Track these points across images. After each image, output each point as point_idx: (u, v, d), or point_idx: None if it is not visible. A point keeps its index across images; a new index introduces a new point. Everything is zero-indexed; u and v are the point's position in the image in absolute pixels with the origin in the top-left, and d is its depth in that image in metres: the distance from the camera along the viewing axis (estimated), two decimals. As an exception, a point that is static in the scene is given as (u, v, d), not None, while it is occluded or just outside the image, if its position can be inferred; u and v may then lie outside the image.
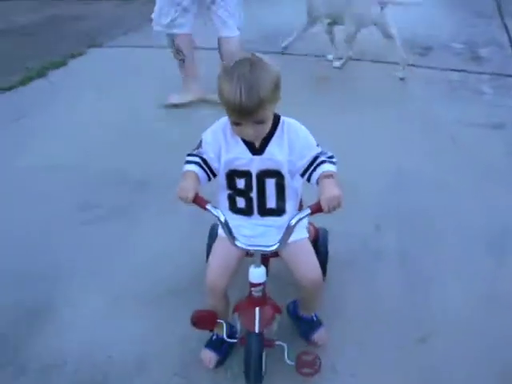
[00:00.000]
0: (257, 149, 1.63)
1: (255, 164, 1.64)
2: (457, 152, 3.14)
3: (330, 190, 1.53)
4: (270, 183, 1.67)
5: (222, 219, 1.58)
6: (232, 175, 1.68)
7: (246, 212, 1.73)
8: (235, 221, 1.69)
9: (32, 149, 3.31)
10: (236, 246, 1.62)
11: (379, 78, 4.28)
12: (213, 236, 1.99)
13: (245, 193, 1.70)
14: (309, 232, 1.84)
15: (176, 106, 3.80)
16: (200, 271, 1.86)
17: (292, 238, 1.63)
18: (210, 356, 1.84)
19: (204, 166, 1.67)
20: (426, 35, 5.30)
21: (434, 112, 3.68)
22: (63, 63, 4.84)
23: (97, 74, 4.58)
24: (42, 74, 4.60)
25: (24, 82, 4.45)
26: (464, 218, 2.53)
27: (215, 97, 1.53)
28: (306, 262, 1.74)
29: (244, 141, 1.63)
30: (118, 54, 5.10)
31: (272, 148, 1.63)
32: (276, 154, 1.63)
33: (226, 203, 1.75)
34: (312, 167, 1.63)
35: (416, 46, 4.98)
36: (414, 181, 2.83)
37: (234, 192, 1.72)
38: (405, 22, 5.70)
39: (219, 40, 3.74)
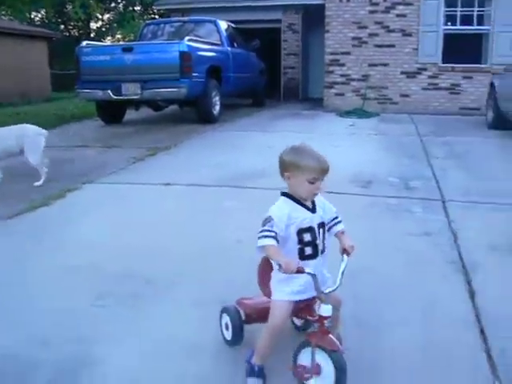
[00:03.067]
0: (311, 209, 2.41)
1: (313, 220, 2.41)
2: (396, 253, 4.01)
3: (350, 240, 2.49)
4: (322, 231, 2.44)
5: (314, 272, 2.29)
6: (301, 233, 2.38)
7: (312, 256, 2.41)
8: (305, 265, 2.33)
9: (47, 256, 3.99)
10: (323, 292, 2.30)
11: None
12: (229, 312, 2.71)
13: (312, 243, 2.40)
14: None
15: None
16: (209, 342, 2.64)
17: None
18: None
19: (277, 238, 2.31)
20: (366, 172, 6.41)
21: (375, 225, 4.57)
22: (62, 196, 5.60)
23: (92, 203, 5.41)
24: (46, 203, 5.33)
25: (31, 209, 5.15)
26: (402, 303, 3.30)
27: None
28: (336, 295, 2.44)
29: (303, 206, 2.39)
30: (108, 189, 5.96)
31: (318, 208, 2.43)
32: (320, 212, 2.44)
33: (296, 255, 2.37)
34: (333, 223, 2.50)
35: (359, 180, 6.03)
36: (366, 272, 3.62)
37: (303, 244, 2.39)
38: (347, 161, 6.89)
39: None
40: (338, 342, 2.33)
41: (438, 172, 6.48)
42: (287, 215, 2.34)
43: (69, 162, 7.49)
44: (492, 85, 10.52)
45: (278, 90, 17.20)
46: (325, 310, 2.31)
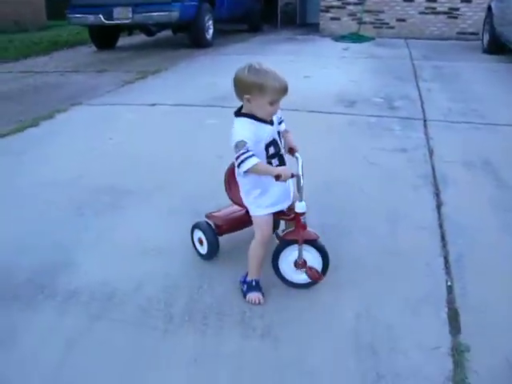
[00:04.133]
0: (269, 123, 2.43)
1: (274, 132, 2.46)
2: (369, 166, 4.12)
3: (292, 140, 2.55)
4: (279, 139, 2.50)
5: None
6: (267, 147, 2.43)
7: (280, 166, 2.47)
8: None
9: (33, 172, 4.13)
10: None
11: (309, 122, 5.25)
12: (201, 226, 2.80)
13: (277, 154, 2.47)
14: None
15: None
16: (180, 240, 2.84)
17: None
18: (256, 296, 2.51)
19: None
20: (352, 93, 6.46)
21: (352, 142, 4.68)
22: (51, 116, 5.69)
23: (80, 123, 5.51)
24: (34, 124, 5.42)
25: (20, 129, 5.26)
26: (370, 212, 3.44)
27: None
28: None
29: (264, 122, 2.40)
30: (96, 110, 6.04)
31: (274, 119, 2.47)
32: (275, 122, 2.48)
33: None
34: (278, 123, 2.52)
35: (343, 100, 6.09)
36: (339, 184, 3.78)
37: (269, 158, 2.45)
38: (335, 82, 6.92)
39: None
40: (315, 231, 2.52)
41: (424, 93, 6.52)
42: (254, 134, 2.35)
43: (59, 86, 7.54)
44: (489, 8, 10.35)
45: (275, 16, 16.89)
46: (300, 206, 2.44)
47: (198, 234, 2.83)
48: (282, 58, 9.32)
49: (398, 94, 6.42)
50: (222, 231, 2.82)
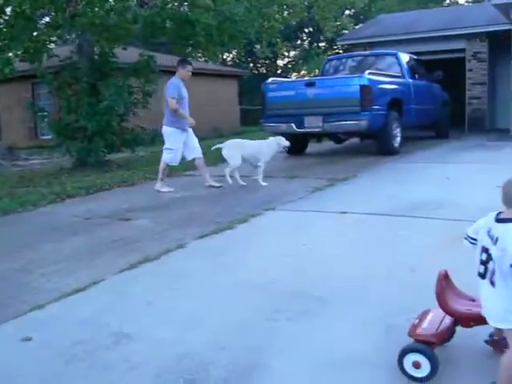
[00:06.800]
0: None
1: None
2: None
3: None
4: None
5: None
6: None
7: None
8: None
9: (229, 273, 4.39)
10: None
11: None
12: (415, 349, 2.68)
13: None
14: None
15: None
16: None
17: None
18: None
19: None
20: None
21: None
22: (245, 220, 6.01)
23: (273, 228, 5.78)
24: (230, 226, 5.79)
25: (216, 231, 5.62)
26: None
27: None
28: None
29: None
30: (288, 215, 6.31)
31: None
32: None
33: None
34: None
35: None
36: None
37: None
38: None
39: None
40: None
41: None
42: None
43: (253, 191, 8.01)
44: None
45: (461, 121, 16.71)
46: None
47: (413, 357, 2.68)
48: (470, 166, 9.20)
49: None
50: (434, 347, 2.70)
